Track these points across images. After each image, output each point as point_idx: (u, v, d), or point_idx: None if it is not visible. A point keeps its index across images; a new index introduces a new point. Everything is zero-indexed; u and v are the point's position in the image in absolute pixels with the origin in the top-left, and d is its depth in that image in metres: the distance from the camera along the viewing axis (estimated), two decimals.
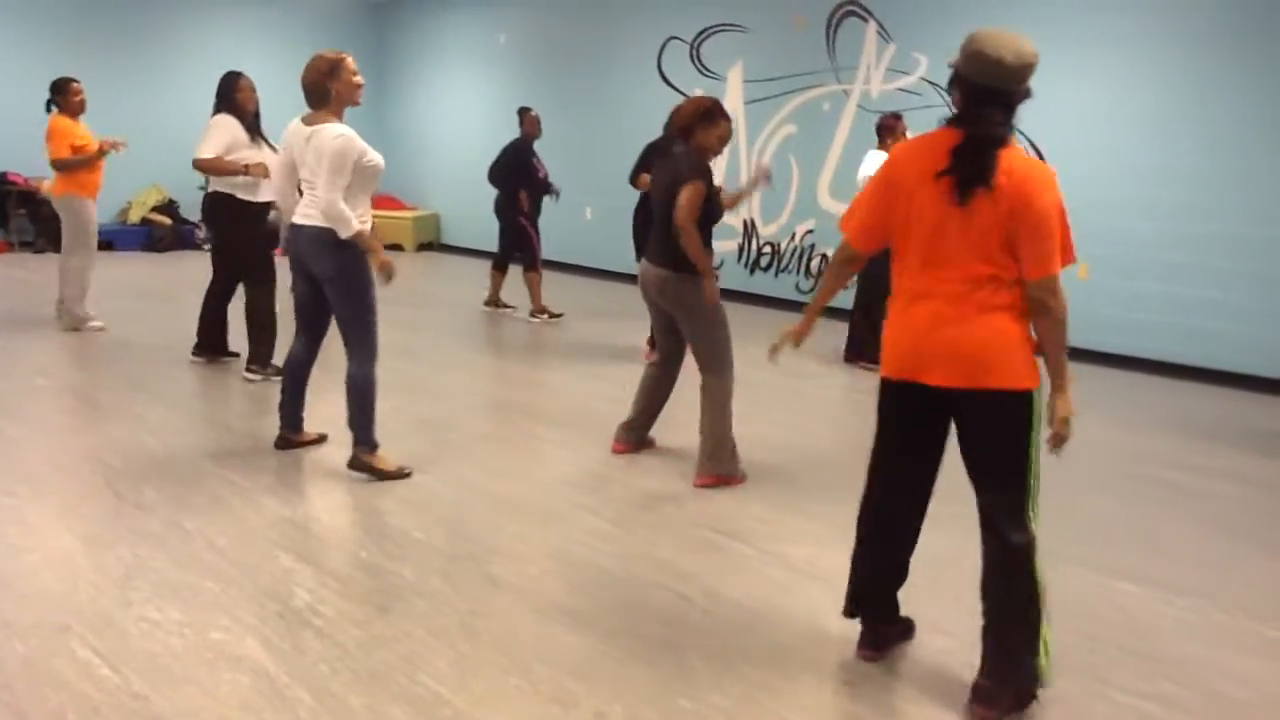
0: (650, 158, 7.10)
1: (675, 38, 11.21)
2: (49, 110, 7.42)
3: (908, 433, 2.99)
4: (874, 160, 7.35)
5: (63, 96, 7.38)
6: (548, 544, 3.99)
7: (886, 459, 3.04)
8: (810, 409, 6.36)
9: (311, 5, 14.42)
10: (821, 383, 7.15)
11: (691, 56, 11.08)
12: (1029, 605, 2.81)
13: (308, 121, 4.44)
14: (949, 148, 2.72)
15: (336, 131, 4.32)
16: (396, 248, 14.10)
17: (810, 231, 10.17)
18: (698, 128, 4.68)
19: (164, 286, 9.92)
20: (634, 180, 7.35)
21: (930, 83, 9.01)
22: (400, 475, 4.65)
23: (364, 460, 4.63)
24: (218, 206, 6.33)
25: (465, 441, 5.29)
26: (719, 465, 4.76)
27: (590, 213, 11.45)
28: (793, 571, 3.83)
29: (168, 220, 12.71)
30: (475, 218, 13.37)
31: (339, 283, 4.50)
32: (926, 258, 2.80)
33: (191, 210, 13.15)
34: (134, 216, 12.62)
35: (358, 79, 4.47)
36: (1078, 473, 5.27)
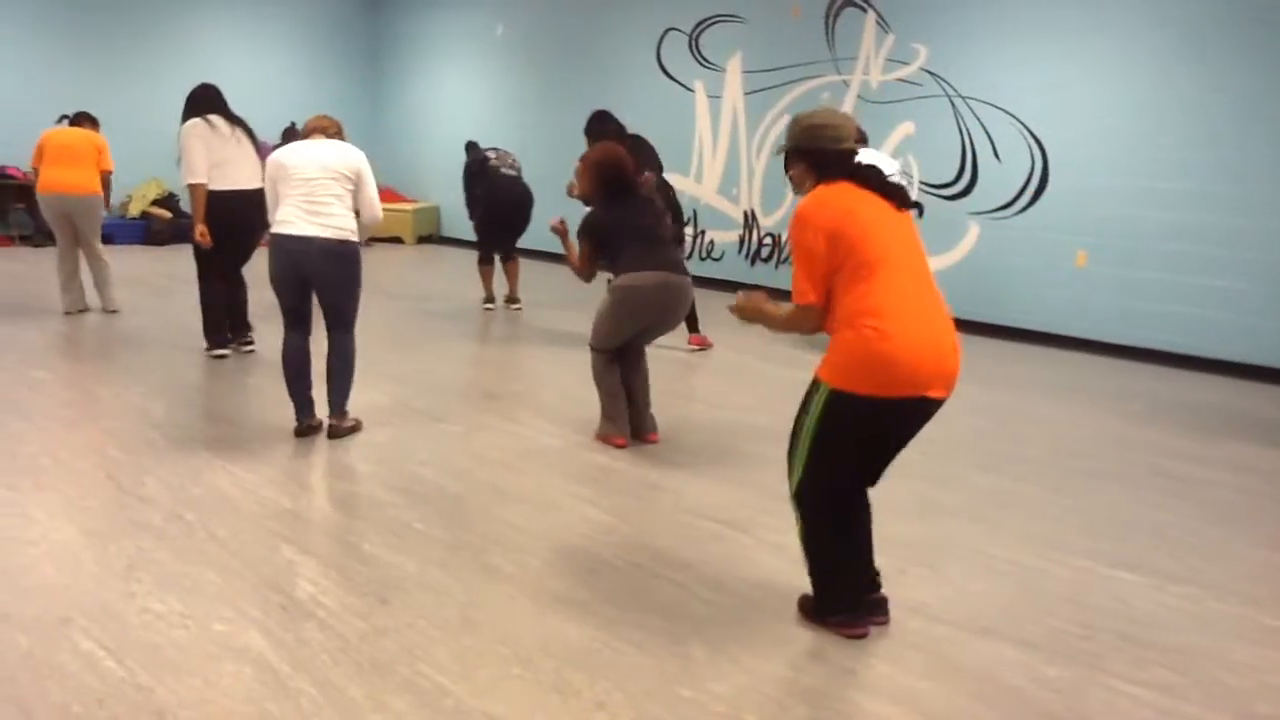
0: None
1: (674, 29, 11.20)
2: (75, 123, 8.12)
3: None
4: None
5: (95, 125, 8.20)
6: (547, 535, 4.01)
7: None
8: None
9: None
10: None
11: (690, 47, 11.07)
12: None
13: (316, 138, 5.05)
14: (868, 189, 3.08)
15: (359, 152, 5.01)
16: (396, 240, 14.11)
17: None
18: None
19: (163, 280, 9.93)
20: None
21: (930, 73, 9.01)
22: (358, 426, 5.21)
23: (345, 427, 5.08)
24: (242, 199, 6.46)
25: (464, 433, 5.30)
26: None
27: None
28: (793, 561, 3.83)
29: (167, 214, 12.71)
30: None
31: (349, 288, 4.97)
32: (916, 272, 3.06)
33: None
34: (134, 210, 12.62)
35: None
36: (1075, 462, 5.28)
